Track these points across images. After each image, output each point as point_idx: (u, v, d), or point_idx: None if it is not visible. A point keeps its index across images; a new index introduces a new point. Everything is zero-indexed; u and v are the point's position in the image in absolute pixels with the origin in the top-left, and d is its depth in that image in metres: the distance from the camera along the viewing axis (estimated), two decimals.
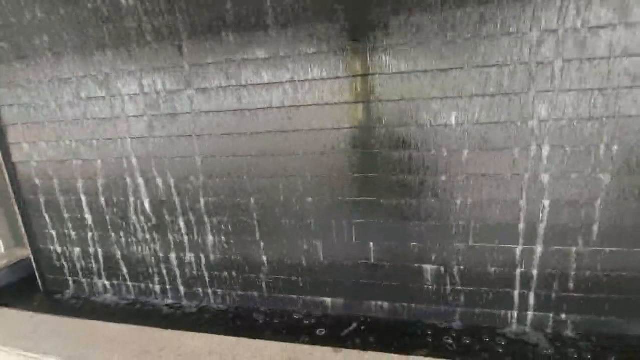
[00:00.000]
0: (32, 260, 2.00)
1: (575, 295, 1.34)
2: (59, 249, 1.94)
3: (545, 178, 1.26)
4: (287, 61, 1.39)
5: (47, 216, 1.90)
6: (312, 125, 1.43)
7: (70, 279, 1.98)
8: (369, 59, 1.31)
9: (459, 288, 1.45)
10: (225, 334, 1.31)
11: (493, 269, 1.40)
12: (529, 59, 1.18)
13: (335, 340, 1.43)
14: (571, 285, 1.33)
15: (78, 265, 1.94)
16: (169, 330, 1.31)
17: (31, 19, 1.61)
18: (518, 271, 1.37)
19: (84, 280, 1.96)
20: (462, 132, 1.29)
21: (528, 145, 1.25)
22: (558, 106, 1.20)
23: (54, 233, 1.92)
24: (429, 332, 1.44)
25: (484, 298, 1.43)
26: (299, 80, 1.40)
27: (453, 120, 1.29)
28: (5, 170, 1.88)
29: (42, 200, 1.88)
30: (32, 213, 1.93)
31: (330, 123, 1.40)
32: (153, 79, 1.55)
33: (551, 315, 1.39)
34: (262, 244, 1.62)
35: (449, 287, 1.46)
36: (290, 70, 1.39)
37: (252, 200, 1.57)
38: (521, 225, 1.32)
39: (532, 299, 1.39)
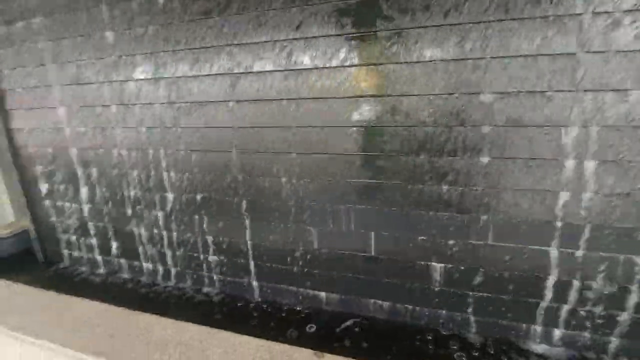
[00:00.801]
0: (34, 231, 1.99)
1: None
2: (60, 224, 1.92)
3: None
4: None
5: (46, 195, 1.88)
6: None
7: (65, 251, 1.96)
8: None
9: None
10: (206, 322, 1.20)
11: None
12: None
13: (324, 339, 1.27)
14: None
15: (74, 239, 1.91)
16: (143, 314, 1.21)
17: None
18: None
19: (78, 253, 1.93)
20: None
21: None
22: None
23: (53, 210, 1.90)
24: (432, 339, 1.25)
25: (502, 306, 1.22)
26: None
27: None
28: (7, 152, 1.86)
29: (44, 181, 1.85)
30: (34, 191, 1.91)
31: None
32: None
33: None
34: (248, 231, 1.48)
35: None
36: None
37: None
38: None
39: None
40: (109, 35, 1.49)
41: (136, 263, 1.78)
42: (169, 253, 1.69)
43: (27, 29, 1.66)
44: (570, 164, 1.04)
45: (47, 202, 1.92)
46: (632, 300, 1.07)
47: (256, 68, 1.30)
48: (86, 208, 1.81)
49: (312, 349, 1.08)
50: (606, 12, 0.93)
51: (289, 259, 1.46)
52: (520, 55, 1.02)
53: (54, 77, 1.67)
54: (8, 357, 1.12)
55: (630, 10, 0.91)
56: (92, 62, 1.57)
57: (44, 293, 1.37)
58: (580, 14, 0.95)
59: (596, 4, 0.93)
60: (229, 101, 1.37)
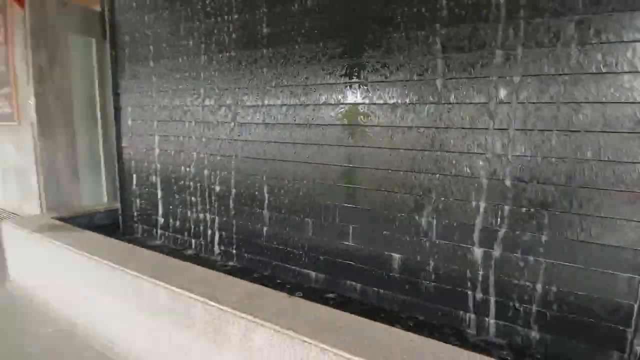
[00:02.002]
0: (120, 211, 2.73)
1: None
2: (136, 205, 2.63)
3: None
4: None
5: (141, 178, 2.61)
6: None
7: (137, 226, 2.65)
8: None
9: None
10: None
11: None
12: None
13: None
14: None
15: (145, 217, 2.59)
16: (183, 261, 1.74)
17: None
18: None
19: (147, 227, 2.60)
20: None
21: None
22: None
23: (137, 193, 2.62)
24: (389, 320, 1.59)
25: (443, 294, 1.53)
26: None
27: None
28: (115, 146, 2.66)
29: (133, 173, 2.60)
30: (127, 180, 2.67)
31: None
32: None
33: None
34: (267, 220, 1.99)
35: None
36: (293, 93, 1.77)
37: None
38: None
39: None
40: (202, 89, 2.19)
41: (186, 237, 2.38)
42: (208, 232, 2.26)
43: (142, 78, 2.45)
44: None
45: (132, 194, 2.64)
46: None
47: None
48: (156, 200, 2.48)
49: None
50: None
51: (291, 242, 1.92)
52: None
53: (152, 115, 2.43)
54: (101, 277, 1.72)
55: None
56: (180, 106, 2.28)
57: (120, 243, 2.00)
58: None
59: None
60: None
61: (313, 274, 1.87)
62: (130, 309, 1.65)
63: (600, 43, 1.16)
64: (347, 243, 1.74)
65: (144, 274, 1.56)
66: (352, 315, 1.27)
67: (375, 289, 1.69)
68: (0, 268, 2.52)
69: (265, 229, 2.01)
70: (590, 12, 1.16)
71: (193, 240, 2.35)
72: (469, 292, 1.47)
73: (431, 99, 1.46)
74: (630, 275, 1.19)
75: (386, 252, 1.64)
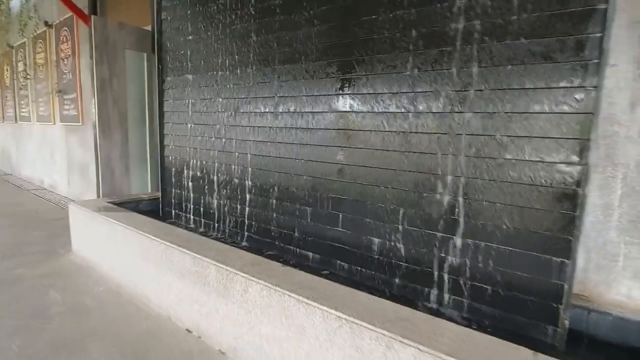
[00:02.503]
0: (160, 199, 3.23)
1: None
2: (175, 195, 3.11)
3: None
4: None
5: (177, 172, 3.10)
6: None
7: (180, 211, 3.13)
8: None
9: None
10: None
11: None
12: None
13: None
14: None
15: (181, 205, 3.06)
16: (206, 238, 2.15)
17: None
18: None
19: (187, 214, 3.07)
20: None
21: None
22: None
23: (173, 185, 3.11)
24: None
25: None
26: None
27: None
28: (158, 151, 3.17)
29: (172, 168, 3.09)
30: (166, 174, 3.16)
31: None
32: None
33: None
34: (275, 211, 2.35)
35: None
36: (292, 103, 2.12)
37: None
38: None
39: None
40: (220, 97, 2.62)
41: (209, 221, 2.81)
42: (228, 217, 2.67)
43: (182, 86, 2.94)
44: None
45: (170, 186, 3.13)
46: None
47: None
48: (188, 190, 2.94)
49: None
50: None
51: (294, 227, 2.27)
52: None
53: (186, 119, 2.90)
54: (142, 247, 2.17)
55: None
56: (207, 112, 2.72)
57: (159, 222, 2.46)
58: None
59: None
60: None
61: (310, 254, 2.20)
62: (163, 272, 2.08)
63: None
64: (337, 229, 2.06)
65: (175, 245, 1.98)
66: (329, 281, 1.59)
67: (359, 267, 1.99)
68: (67, 242, 3.10)
69: (274, 215, 2.38)
70: None
71: (215, 224, 2.77)
72: (433, 271, 1.73)
73: (401, 109, 1.75)
74: (562, 259, 1.40)
75: (367, 237, 1.93)
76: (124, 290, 2.37)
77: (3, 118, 7.77)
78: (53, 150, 5.78)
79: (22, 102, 6.68)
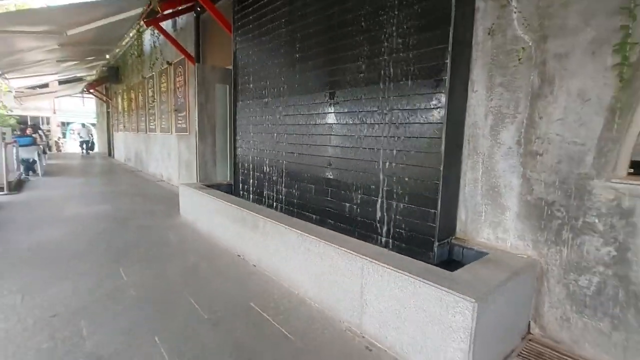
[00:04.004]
0: (232, 182, 4.76)
1: None
2: (241, 180, 4.60)
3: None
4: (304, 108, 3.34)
5: (243, 165, 4.59)
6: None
7: (243, 190, 4.60)
8: None
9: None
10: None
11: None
12: None
13: None
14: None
15: (244, 186, 4.53)
16: (259, 205, 3.51)
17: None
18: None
19: (247, 192, 4.53)
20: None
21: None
22: None
23: (240, 175, 4.59)
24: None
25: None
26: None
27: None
28: (230, 147, 4.71)
29: (241, 164, 4.59)
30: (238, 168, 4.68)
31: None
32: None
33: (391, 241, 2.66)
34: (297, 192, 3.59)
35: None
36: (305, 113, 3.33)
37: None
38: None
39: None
40: (279, 110, 3.99)
41: (262, 197, 4.19)
42: (271, 194, 4.00)
43: (248, 107, 4.40)
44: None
45: (239, 174, 4.63)
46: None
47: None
48: (249, 178, 4.38)
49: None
50: None
51: (305, 198, 3.48)
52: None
53: (249, 129, 4.34)
54: (224, 211, 3.65)
55: None
56: (260, 124, 4.12)
57: (233, 197, 3.92)
58: None
59: None
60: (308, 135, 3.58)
61: (313, 216, 3.39)
62: (225, 221, 3.49)
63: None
64: (314, 198, 3.21)
65: (233, 204, 3.37)
66: (306, 222, 2.77)
67: (339, 223, 3.11)
68: (177, 210, 4.83)
69: (295, 192, 3.62)
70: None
71: (264, 199, 4.14)
72: (375, 223, 2.76)
73: (359, 121, 2.82)
74: (433, 210, 2.34)
75: (343, 203, 3.04)
76: (206, 233, 3.89)
77: (138, 130, 10.61)
78: (170, 152, 7.99)
79: (151, 118, 9.21)
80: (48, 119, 25.55)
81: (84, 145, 16.55)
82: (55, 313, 2.21)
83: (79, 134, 18.01)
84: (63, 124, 26.74)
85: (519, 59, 2.11)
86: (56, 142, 22.19)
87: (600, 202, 1.85)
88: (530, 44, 2.07)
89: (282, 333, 2.07)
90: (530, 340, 2.09)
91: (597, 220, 1.86)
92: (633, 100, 1.73)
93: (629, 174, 1.84)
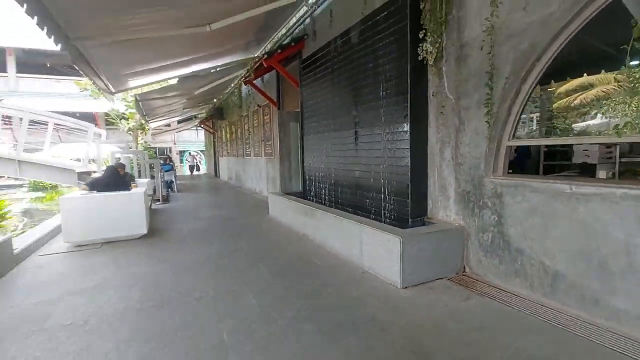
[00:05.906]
0: (300, 187, 6.81)
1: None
2: (308, 187, 6.62)
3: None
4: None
5: (308, 178, 6.62)
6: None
7: (309, 195, 6.61)
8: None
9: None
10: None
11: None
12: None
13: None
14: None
15: (311, 191, 6.52)
16: (318, 204, 5.47)
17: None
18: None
19: (311, 196, 6.53)
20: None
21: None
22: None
23: (308, 182, 6.61)
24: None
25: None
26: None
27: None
28: (300, 166, 6.79)
29: (308, 174, 6.63)
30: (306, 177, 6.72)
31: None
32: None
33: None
34: (339, 192, 5.42)
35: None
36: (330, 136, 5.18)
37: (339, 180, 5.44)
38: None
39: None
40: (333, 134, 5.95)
41: (321, 199, 6.12)
42: (326, 196, 5.91)
43: (315, 130, 6.44)
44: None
45: (306, 185, 6.66)
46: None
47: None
48: (312, 186, 6.36)
49: None
50: None
51: (346, 198, 5.29)
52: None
53: (311, 151, 6.35)
54: (295, 207, 5.72)
55: None
56: (318, 148, 6.09)
57: (304, 200, 5.97)
58: None
59: None
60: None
61: (349, 208, 5.16)
62: (298, 215, 5.49)
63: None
64: (349, 197, 4.98)
65: (307, 205, 5.37)
66: (345, 212, 4.59)
67: (363, 212, 4.83)
68: (267, 212, 7.08)
69: (338, 193, 5.45)
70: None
71: (323, 200, 6.04)
72: (370, 205, 4.43)
73: (359, 142, 4.55)
74: (408, 200, 3.95)
75: (364, 199, 4.78)
76: (285, 223, 5.99)
77: (237, 155, 13.68)
78: (260, 171, 10.55)
79: (247, 146, 12.05)
80: (170, 148, 32.04)
81: (191, 169, 24.67)
82: (215, 256, 4.45)
83: (186, 160, 25.23)
84: (181, 152, 33.15)
85: (447, 110, 3.66)
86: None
87: (489, 190, 3.30)
88: (453, 101, 3.61)
89: (321, 266, 3.92)
90: (463, 274, 3.55)
91: (488, 201, 3.30)
92: (496, 134, 3.19)
93: (509, 173, 3.26)
